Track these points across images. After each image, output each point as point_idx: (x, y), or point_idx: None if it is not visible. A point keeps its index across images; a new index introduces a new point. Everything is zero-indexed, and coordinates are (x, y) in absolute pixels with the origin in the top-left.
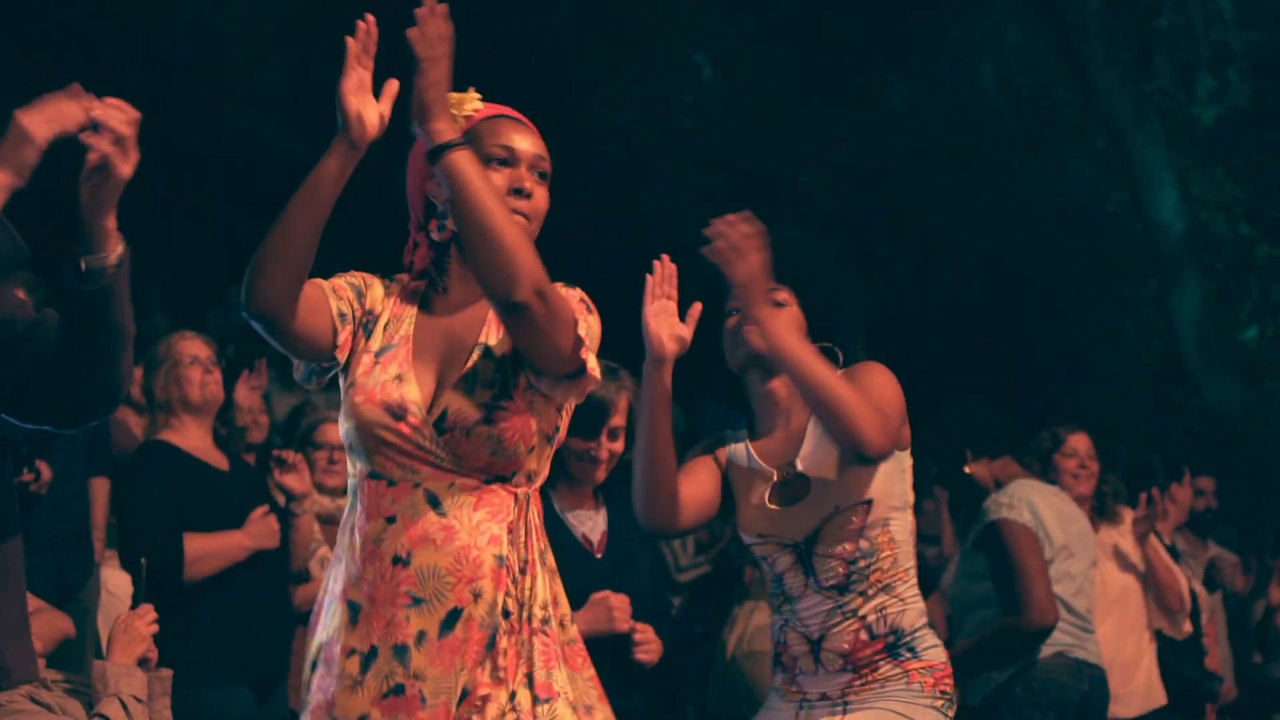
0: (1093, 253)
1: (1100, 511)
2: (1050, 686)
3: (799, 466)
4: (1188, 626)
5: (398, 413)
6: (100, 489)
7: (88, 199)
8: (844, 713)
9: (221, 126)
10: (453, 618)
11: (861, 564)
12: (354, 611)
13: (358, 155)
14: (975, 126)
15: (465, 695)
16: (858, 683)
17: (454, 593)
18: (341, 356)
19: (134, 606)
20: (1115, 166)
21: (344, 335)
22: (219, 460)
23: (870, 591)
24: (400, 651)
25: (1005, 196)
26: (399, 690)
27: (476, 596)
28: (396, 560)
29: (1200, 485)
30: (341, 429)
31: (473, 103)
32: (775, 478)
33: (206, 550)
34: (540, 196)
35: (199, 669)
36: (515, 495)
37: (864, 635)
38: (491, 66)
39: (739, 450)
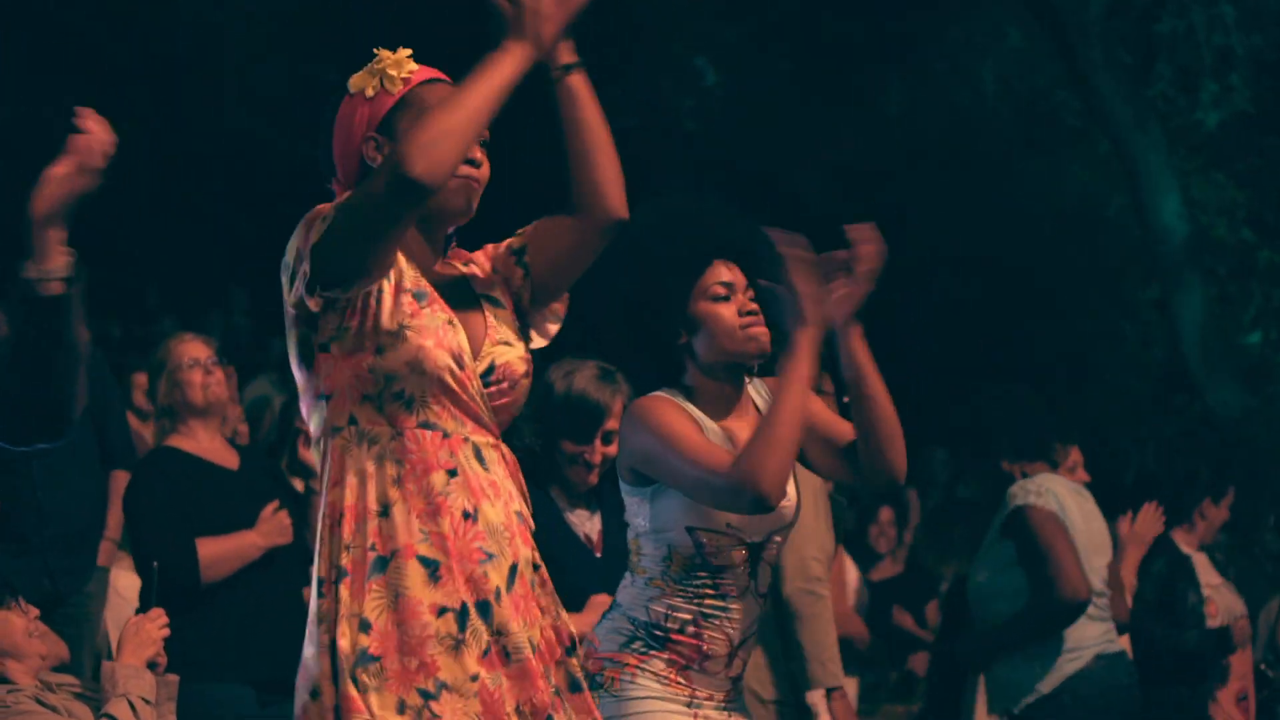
0: (1093, 256)
1: None
2: (1100, 691)
3: None
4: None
5: (461, 361)
6: (120, 482)
7: (45, 210)
8: (729, 712)
9: (221, 127)
10: (512, 573)
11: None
12: (431, 568)
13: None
14: (975, 129)
15: (535, 648)
16: (734, 690)
17: (511, 547)
18: (378, 282)
19: (141, 609)
20: (1115, 170)
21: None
22: (229, 460)
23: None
24: (484, 608)
25: (1005, 199)
26: (489, 649)
27: (518, 551)
28: (466, 515)
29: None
30: (385, 371)
31: (411, 65)
32: None
33: (219, 553)
34: (486, 165)
35: (200, 666)
36: (505, 455)
37: (751, 648)
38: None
39: (714, 429)
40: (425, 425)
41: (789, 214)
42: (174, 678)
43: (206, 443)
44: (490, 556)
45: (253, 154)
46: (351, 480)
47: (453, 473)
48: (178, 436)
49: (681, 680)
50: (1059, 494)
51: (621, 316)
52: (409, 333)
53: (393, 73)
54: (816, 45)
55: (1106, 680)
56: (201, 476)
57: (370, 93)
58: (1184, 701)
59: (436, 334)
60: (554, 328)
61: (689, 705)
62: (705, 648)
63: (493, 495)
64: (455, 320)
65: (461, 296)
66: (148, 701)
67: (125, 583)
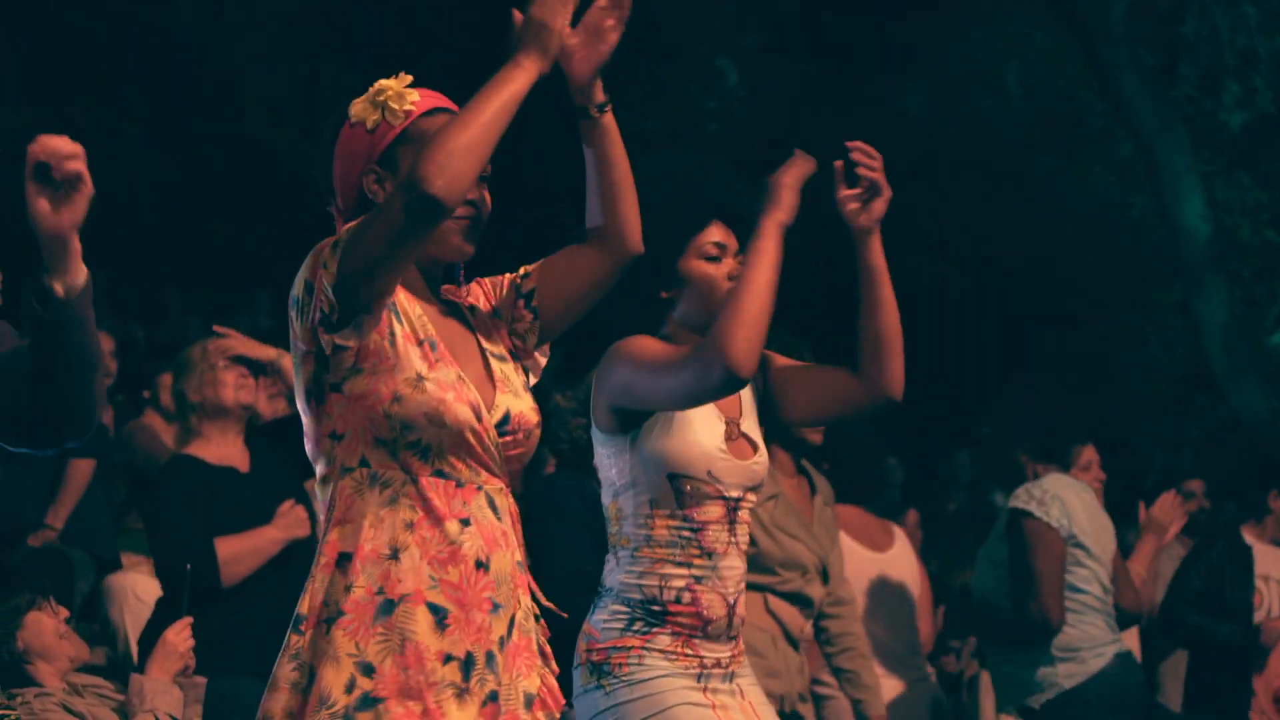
0: (1115, 258)
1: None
2: (1122, 686)
3: (742, 428)
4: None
5: (479, 414)
6: (79, 470)
7: (57, 222)
8: (736, 686)
9: (243, 130)
10: (511, 623)
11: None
12: (439, 615)
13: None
14: (997, 131)
15: (529, 700)
16: (735, 650)
17: (513, 597)
18: (376, 319)
19: (166, 618)
20: (1138, 172)
21: (392, 296)
22: (243, 463)
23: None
24: (490, 659)
25: (1027, 202)
26: (493, 697)
27: (519, 601)
28: (479, 565)
29: (1190, 488)
30: (402, 419)
31: (413, 95)
32: (726, 427)
33: (239, 551)
34: (488, 199)
35: (217, 660)
36: (511, 504)
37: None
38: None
39: None
40: (440, 474)
41: (811, 215)
42: (201, 680)
43: (226, 448)
44: (497, 608)
45: (275, 157)
46: (362, 522)
47: (466, 522)
48: (197, 442)
49: (689, 651)
50: (1064, 497)
51: None
52: (428, 385)
53: (394, 105)
54: (838, 47)
55: (1124, 677)
56: (219, 484)
57: (371, 124)
58: (1226, 693)
59: (457, 388)
60: (543, 361)
61: (699, 679)
62: (704, 612)
63: (503, 545)
64: (463, 374)
65: (461, 343)
66: (174, 718)
67: (144, 587)
